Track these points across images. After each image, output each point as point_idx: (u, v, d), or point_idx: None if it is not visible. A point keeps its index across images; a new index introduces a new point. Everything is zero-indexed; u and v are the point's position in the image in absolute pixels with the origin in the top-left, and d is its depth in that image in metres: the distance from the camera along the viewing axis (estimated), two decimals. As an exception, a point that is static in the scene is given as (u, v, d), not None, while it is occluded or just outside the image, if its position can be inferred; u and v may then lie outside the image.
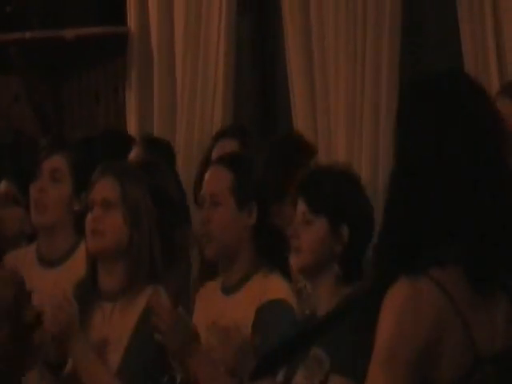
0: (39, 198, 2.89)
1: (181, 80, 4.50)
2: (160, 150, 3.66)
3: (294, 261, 2.25)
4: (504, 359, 1.40)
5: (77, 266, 2.78)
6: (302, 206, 2.23)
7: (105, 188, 2.63)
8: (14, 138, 4.52)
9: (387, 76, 4.04)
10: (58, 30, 4.79)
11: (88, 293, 2.68)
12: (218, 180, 2.72)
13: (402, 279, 1.34)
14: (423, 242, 1.37)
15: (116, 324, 2.62)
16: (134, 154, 3.54)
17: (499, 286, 1.39)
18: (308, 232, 2.19)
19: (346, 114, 4.16)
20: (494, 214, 1.38)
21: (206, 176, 2.75)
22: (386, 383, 1.33)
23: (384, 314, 1.35)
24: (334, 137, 4.20)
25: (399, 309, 1.35)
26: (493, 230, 1.38)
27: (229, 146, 3.39)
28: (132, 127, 4.56)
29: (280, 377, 2.17)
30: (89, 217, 2.58)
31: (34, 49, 4.87)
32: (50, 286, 2.88)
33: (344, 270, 2.24)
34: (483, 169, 1.37)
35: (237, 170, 2.72)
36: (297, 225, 2.21)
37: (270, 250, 2.51)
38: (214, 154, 3.31)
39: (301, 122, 4.26)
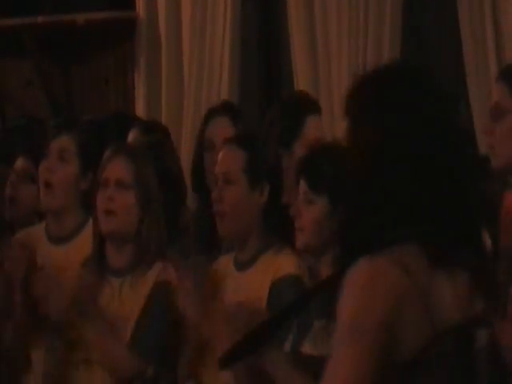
0: (47, 178, 2.94)
1: (188, 64, 4.53)
2: (158, 133, 3.66)
3: (298, 240, 2.30)
4: (463, 331, 1.44)
5: (84, 243, 2.83)
6: (303, 186, 2.27)
7: (119, 168, 2.66)
8: (27, 120, 4.36)
9: (388, 51, 4.03)
10: (69, 14, 4.83)
11: (96, 269, 2.73)
12: (231, 159, 2.77)
13: (363, 258, 1.37)
14: (384, 222, 1.40)
15: (126, 299, 2.66)
16: (131, 136, 3.51)
17: (457, 262, 1.43)
18: (310, 211, 2.23)
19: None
20: (449, 194, 1.42)
21: (220, 155, 2.81)
22: (352, 357, 1.36)
23: (346, 291, 1.37)
24: (336, 117, 4.17)
25: (360, 286, 1.38)
26: (448, 210, 1.41)
27: (220, 123, 3.35)
28: (140, 110, 4.60)
29: (287, 347, 2.21)
30: (101, 196, 2.60)
31: (45, 33, 4.91)
32: (59, 263, 2.93)
33: None
34: (431, 153, 1.40)
35: (249, 150, 2.77)
36: (299, 204, 2.25)
37: (282, 227, 2.53)
38: (208, 134, 3.31)
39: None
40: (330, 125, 4.04)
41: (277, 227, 2.67)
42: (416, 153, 1.40)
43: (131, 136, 3.45)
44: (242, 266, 2.55)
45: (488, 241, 2.42)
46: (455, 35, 3.92)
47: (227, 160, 2.76)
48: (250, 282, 2.54)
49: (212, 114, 3.39)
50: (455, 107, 1.52)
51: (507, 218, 2.64)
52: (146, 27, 4.76)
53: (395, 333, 1.36)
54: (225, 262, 2.70)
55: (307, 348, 2.25)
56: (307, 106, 3.43)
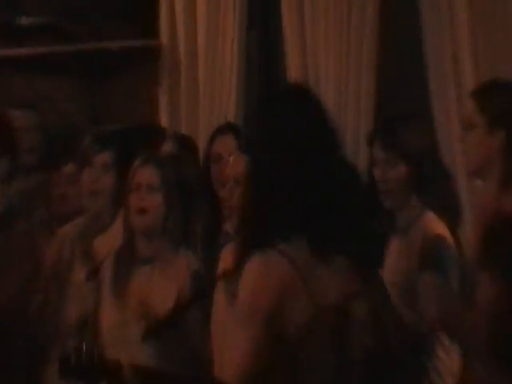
0: (92, 188, 3.19)
1: (202, 85, 4.78)
2: (187, 145, 3.88)
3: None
4: (340, 307, 1.59)
5: (114, 235, 3.03)
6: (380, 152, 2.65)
7: (148, 175, 2.84)
8: (68, 131, 4.64)
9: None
10: (106, 42, 5.22)
11: (127, 258, 2.89)
12: (239, 164, 2.85)
13: (260, 251, 1.50)
14: (272, 221, 1.53)
15: (156, 285, 2.83)
16: (167, 147, 3.74)
17: (337, 251, 1.57)
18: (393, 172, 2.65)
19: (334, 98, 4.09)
20: (328, 195, 1.56)
21: (230, 160, 2.91)
22: (247, 334, 1.52)
23: (242, 284, 1.51)
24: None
25: (253, 279, 1.50)
26: (326, 208, 1.56)
27: (226, 139, 3.51)
28: (164, 121, 4.90)
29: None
30: (135, 198, 2.79)
31: (87, 57, 5.24)
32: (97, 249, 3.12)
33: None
34: (313, 178, 1.54)
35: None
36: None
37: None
38: (216, 148, 3.47)
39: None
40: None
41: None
42: (300, 178, 1.53)
43: (167, 146, 3.77)
44: None
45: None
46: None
47: (236, 164, 2.93)
48: None
49: (219, 132, 3.61)
50: (334, 137, 1.64)
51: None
52: (168, 52, 5.02)
53: (283, 313, 1.49)
54: None
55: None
56: None
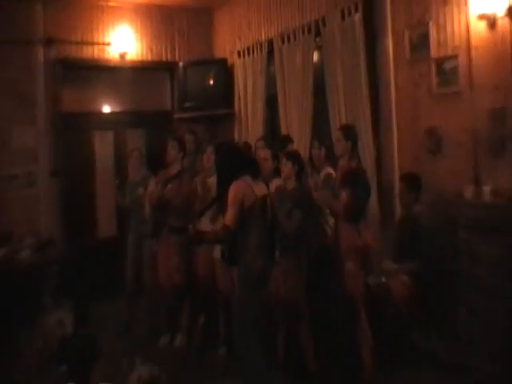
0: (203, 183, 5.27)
1: (250, 128, 7.36)
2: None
3: None
4: (263, 198, 4.20)
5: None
6: None
7: (266, 153, 4.97)
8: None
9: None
10: (205, 111, 7.75)
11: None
12: (288, 167, 4.85)
13: (234, 182, 3.90)
14: (236, 172, 4.03)
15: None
16: (290, 147, 5.65)
17: (257, 178, 4.15)
18: None
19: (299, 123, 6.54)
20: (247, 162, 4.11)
21: (262, 154, 5.17)
22: (231, 211, 3.88)
23: (230, 193, 3.91)
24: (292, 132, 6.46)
25: (234, 190, 3.92)
26: (247, 164, 4.07)
27: (261, 146, 5.67)
28: (236, 139, 7.26)
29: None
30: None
31: (195, 119, 7.91)
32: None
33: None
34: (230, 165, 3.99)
35: (297, 162, 4.84)
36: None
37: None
38: (257, 153, 5.39)
39: (283, 131, 6.77)
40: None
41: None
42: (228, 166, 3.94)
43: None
44: None
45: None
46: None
47: (285, 168, 4.82)
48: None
49: (258, 142, 5.75)
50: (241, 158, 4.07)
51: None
52: (238, 117, 7.78)
53: (244, 201, 3.91)
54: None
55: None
56: (287, 139, 5.82)
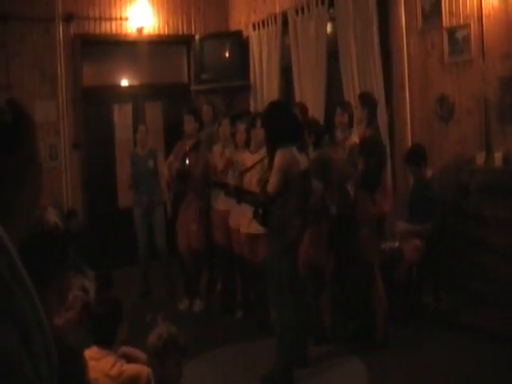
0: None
1: (265, 94, 7.55)
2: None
3: None
4: (305, 172, 4.44)
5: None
6: None
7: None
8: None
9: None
10: (221, 83, 7.95)
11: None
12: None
13: (279, 149, 3.98)
14: (283, 138, 4.05)
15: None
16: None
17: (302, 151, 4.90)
18: None
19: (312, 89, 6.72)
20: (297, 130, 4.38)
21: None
22: (275, 177, 3.99)
23: (276, 160, 4.01)
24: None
25: (280, 157, 4.00)
26: (298, 133, 4.45)
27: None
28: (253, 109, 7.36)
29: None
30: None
31: (212, 91, 8.06)
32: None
33: None
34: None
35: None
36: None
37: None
38: None
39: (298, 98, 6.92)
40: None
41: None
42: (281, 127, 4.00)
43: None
44: None
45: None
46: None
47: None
48: None
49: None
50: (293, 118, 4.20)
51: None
52: (254, 89, 7.95)
53: (288, 171, 4.02)
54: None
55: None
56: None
